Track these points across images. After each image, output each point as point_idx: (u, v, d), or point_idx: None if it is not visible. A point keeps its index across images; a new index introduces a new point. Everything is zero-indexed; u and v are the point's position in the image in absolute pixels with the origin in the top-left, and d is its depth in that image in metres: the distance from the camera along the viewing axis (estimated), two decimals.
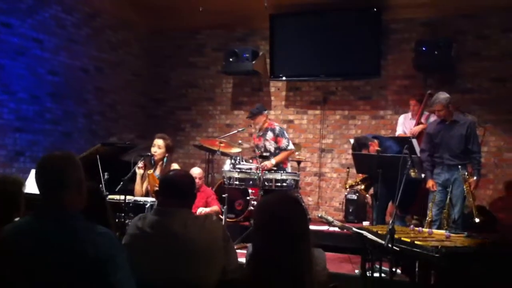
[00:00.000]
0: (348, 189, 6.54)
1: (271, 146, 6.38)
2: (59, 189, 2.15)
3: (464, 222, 5.54)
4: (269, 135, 6.40)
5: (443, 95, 5.56)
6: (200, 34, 9.12)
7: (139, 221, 2.71)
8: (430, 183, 5.59)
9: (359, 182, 6.17)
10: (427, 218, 5.42)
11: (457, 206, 5.38)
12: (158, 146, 5.30)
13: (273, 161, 6.17)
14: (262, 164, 6.03)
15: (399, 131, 7.01)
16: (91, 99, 8.03)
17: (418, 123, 6.81)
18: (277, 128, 6.49)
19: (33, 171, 5.43)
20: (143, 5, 8.65)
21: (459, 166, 5.37)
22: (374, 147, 5.75)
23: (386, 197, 5.70)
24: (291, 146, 6.48)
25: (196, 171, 6.00)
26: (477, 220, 5.25)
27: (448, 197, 5.41)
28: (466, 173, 5.34)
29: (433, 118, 6.91)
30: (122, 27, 8.63)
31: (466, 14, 7.54)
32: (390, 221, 3.61)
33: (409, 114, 7.10)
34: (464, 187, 5.29)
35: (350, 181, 6.32)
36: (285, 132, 6.55)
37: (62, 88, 7.43)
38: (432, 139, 5.67)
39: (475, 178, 5.44)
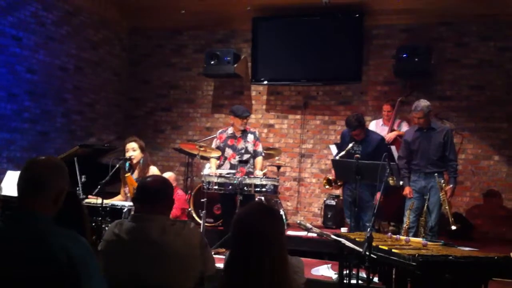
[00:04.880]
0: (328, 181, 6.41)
1: (251, 148, 6.39)
2: (35, 196, 2.13)
3: (440, 230, 5.60)
4: (250, 137, 6.42)
5: (424, 103, 5.60)
6: (181, 34, 9.07)
7: (116, 227, 2.68)
8: (407, 190, 5.64)
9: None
10: (404, 225, 5.46)
11: (434, 214, 5.44)
12: (132, 149, 5.27)
13: (260, 173, 6.19)
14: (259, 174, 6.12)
15: None
16: (70, 98, 7.92)
17: (391, 129, 6.88)
18: (256, 132, 6.59)
19: (9, 172, 5.34)
20: (124, 4, 8.59)
21: (436, 174, 5.42)
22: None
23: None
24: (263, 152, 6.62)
25: (166, 175, 5.93)
26: (453, 227, 5.32)
27: (426, 204, 5.46)
28: (442, 180, 5.40)
29: (404, 125, 7.01)
30: (102, 26, 8.54)
31: (445, 22, 7.64)
32: (368, 229, 3.64)
33: (381, 121, 7.17)
34: (441, 194, 5.34)
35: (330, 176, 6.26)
36: None
37: (40, 87, 7.31)
38: (409, 146, 5.72)
39: (451, 185, 5.51)
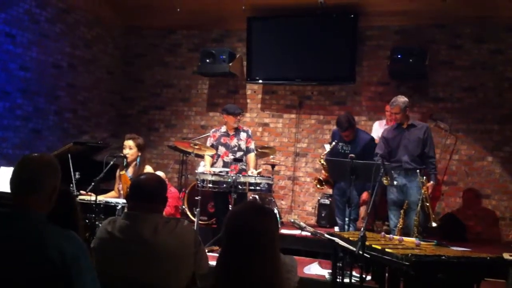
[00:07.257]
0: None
1: (244, 145, 6.41)
2: (30, 193, 2.12)
3: (420, 226, 5.59)
4: (243, 135, 6.44)
5: (401, 99, 5.63)
6: (175, 33, 9.06)
7: (109, 225, 2.66)
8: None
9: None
10: (398, 225, 5.45)
11: (416, 211, 5.42)
12: (129, 147, 5.22)
13: (255, 171, 6.21)
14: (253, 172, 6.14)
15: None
16: (63, 96, 7.89)
17: None
18: (249, 131, 6.62)
19: (2, 169, 5.30)
20: (118, 2, 8.56)
21: (417, 171, 5.41)
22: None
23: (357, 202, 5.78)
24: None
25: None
26: (434, 224, 5.31)
27: (419, 204, 5.44)
28: (424, 177, 5.40)
29: None
30: (96, 24, 8.51)
31: (439, 24, 7.67)
32: (362, 228, 3.64)
33: (384, 121, 7.17)
34: (422, 191, 5.32)
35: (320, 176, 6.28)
36: None
37: (33, 84, 7.28)
38: (388, 144, 5.70)
39: (431, 182, 5.53)
